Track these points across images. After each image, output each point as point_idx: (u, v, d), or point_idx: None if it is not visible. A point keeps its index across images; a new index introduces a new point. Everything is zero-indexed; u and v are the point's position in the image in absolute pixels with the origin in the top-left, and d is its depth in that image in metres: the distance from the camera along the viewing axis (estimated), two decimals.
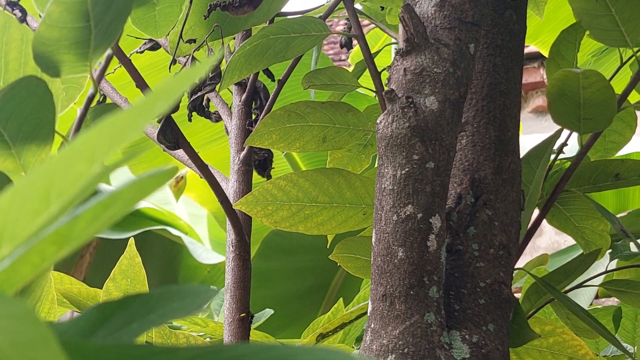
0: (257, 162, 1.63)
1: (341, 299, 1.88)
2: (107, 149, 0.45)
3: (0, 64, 0.75)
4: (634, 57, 1.34)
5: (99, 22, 0.71)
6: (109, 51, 0.82)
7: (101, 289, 1.56)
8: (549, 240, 5.22)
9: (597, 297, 3.08)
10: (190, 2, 1.25)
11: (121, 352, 0.47)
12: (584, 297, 2.68)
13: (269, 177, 1.64)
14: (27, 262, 0.50)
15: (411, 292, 1.08)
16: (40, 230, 0.48)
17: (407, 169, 1.11)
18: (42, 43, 0.71)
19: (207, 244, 4.27)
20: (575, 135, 1.36)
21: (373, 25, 2.53)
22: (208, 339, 1.65)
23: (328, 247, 1.68)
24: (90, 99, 0.82)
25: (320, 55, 1.81)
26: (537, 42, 3.27)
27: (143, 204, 3.87)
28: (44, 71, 0.75)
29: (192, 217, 4.40)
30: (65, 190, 0.47)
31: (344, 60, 6.77)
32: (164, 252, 3.99)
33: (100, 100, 1.39)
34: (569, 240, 4.90)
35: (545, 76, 5.57)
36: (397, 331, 1.08)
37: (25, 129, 0.73)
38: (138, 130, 0.45)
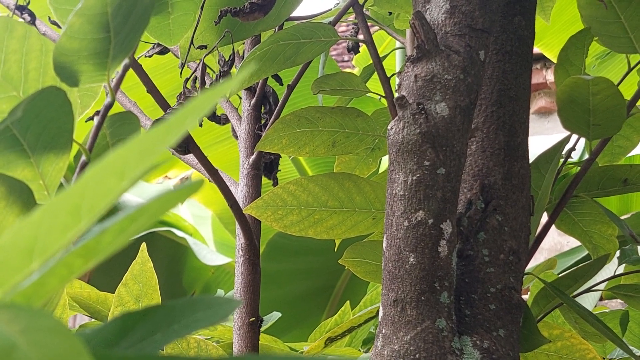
0: (264, 164, 1.63)
1: (348, 302, 1.89)
2: (137, 165, 0.46)
3: (21, 73, 0.76)
4: None
5: (119, 33, 0.72)
6: (126, 60, 0.83)
7: (106, 290, 1.57)
8: (552, 242, 5.22)
9: (601, 298, 3.09)
10: (201, 8, 1.26)
11: None
12: (588, 299, 2.69)
13: (275, 179, 1.65)
14: (55, 275, 0.50)
15: (422, 298, 1.09)
16: (69, 244, 0.49)
17: (418, 175, 1.11)
18: (63, 54, 0.71)
19: (211, 245, 4.28)
20: (581, 140, 1.36)
21: (376, 28, 2.53)
22: (215, 343, 1.66)
23: (336, 250, 1.69)
24: (108, 108, 0.83)
25: (327, 59, 1.82)
26: (540, 44, 3.28)
27: None
28: (63, 81, 0.76)
29: (197, 219, 4.40)
30: (95, 206, 0.47)
31: (347, 61, 6.78)
32: (168, 253, 4.00)
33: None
34: (572, 242, 4.91)
35: (547, 77, 5.57)
36: (409, 337, 1.08)
37: (44, 138, 0.74)
38: (167, 146, 0.46)
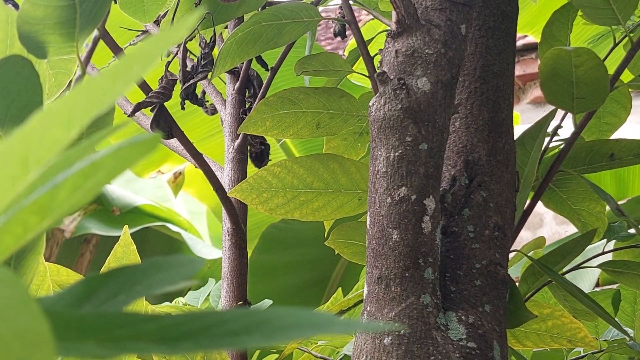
0: (255, 154, 1.62)
1: (340, 288, 1.88)
2: (85, 113, 0.45)
3: None
4: (627, 38, 1.34)
5: (84, 1, 0.71)
6: (95, 33, 0.82)
7: None
8: (550, 231, 5.21)
9: (597, 284, 3.08)
10: None
11: (106, 320, 0.47)
12: (584, 284, 2.68)
13: None
14: (10, 233, 0.49)
15: (406, 274, 1.08)
16: (20, 197, 0.48)
17: (400, 151, 1.10)
18: (27, 22, 0.70)
19: (206, 239, 4.27)
20: (571, 119, 1.35)
21: (369, 18, 2.52)
22: None
23: (326, 236, 1.68)
24: (78, 81, 0.81)
25: (314, 44, 1.81)
26: (533, 31, 3.26)
27: (142, 201, 3.87)
28: (30, 52, 0.75)
29: (192, 214, 4.39)
30: (43, 156, 0.46)
31: (342, 55, 6.76)
32: (163, 248, 3.99)
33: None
34: (570, 231, 4.90)
35: None
36: (393, 313, 1.07)
37: (13, 111, 0.73)
38: (116, 95, 0.45)
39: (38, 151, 0.46)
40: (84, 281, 0.52)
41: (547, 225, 5.29)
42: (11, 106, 0.74)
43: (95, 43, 0.85)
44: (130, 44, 1.60)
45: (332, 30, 1.89)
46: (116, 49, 1.12)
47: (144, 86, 1.30)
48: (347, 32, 1.82)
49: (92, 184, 0.49)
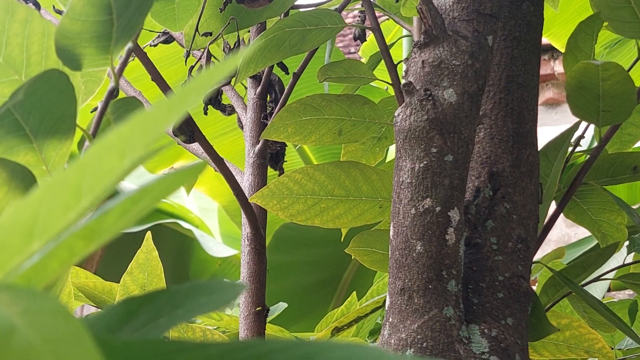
0: (270, 154, 1.62)
1: (354, 292, 1.88)
2: (139, 143, 0.45)
3: (23, 57, 0.75)
4: None
5: (121, 15, 0.71)
6: (129, 44, 0.82)
7: (112, 281, 1.56)
8: (559, 233, 5.20)
9: (609, 290, 3.07)
10: None
11: (151, 348, 0.47)
12: (596, 290, 2.67)
13: (281, 169, 1.64)
14: (57, 257, 0.49)
15: (430, 286, 1.08)
16: (70, 225, 0.48)
17: (425, 162, 1.10)
18: (65, 36, 0.70)
19: (217, 237, 4.27)
20: (590, 127, 1.35)
21: (384, 18, 2.51)
22: (222, 332, 1.65)
23: (342, 240, 1.68)
24: (111, 93, 0.81)
25: (333, 48, 1.81)
26: (548, 34, 3.26)
27: None
28: (65, 65, 0.75)
29: (203, 211, 4.39)
30: (96, 185, 0.46)
31: (354, 52, 6.75)
32: (175, 245, 3.99)
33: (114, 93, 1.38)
34: (580, 233, 4.89)
35: (555, 68, 5.54)
36: (416, 325, 1.07)
37: (47, 122, 0.73)
38: (169, 124, 0.45)
39: (91, 180, 0.46)
40: (123, 303, 0.52)
41: (556, 227, 5.28)
42: (45, 119, 0.74)
43: (128, 55, 0.85)
44: (149, 45, 1.60)
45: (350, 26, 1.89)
46: (144, 59, 1.12)
47: (168, 91, 1.30)
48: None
49: (139, 209, 0.49)
